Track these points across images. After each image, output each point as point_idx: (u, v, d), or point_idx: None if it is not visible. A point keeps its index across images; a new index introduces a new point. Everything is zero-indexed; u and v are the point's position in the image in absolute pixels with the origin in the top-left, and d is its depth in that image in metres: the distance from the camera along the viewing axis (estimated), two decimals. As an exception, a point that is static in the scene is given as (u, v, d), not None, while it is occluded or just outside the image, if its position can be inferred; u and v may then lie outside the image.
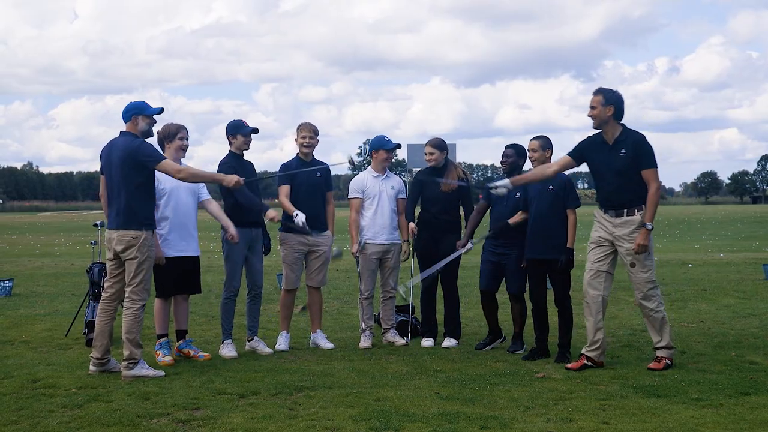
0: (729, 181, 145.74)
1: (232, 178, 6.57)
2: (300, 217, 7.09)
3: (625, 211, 6.33)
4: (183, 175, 6.34)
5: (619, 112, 6.36)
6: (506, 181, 6.62)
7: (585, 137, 6.61)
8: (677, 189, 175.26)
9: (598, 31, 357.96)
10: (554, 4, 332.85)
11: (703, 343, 7.33)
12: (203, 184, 6.97)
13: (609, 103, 6.32)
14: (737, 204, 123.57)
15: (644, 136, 6.40)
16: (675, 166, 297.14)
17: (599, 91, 6.39)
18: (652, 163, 6.33)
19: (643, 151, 6.32)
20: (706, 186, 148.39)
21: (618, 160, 6.33)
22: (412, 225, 7.62)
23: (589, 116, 6.40)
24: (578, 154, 6.57)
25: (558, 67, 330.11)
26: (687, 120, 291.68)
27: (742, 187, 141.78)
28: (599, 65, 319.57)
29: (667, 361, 6.35)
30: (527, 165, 7.32)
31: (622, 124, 6.41)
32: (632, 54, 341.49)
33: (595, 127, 6.44)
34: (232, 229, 6.91)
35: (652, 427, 4.75)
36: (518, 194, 7.02)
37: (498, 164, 7.40)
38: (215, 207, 7.06)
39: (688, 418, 4.90)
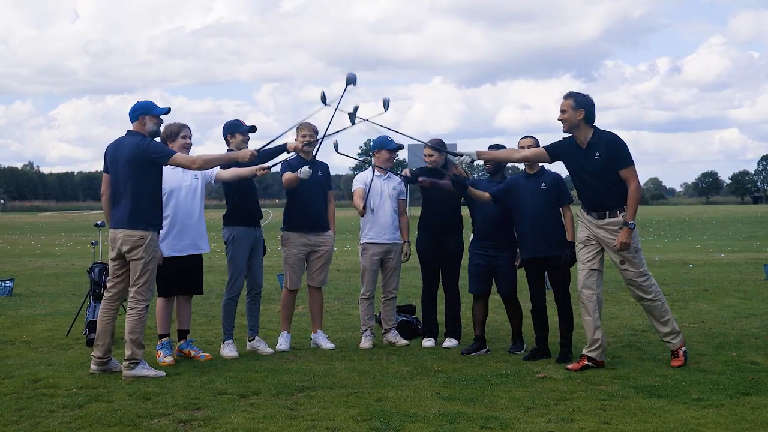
0: (730, 181, 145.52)
1: (246, 153, 6.68)
2: (305, 168, 7.07)
3: (607, 213, 6.35)
4: (199, 163, 6.37)
5: (589, 116, 6.36)
6: (472, 151, 6.76)
7: (561, 138, 6.61)
8: (678, 189, 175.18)
9: (599, 31, 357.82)
10: (555, 4, 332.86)
11: (704, 344, 7.32)
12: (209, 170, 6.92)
13: (579, 107, 6.33)
14: (738, 204, 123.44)
15: (616, 136, 6.39)
16: (675, 166, 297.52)
17: (569, 95, 6.39)
18: (628, 161, 6.33)
19: (618, 150, 6.32)
20: (707, 186, 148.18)
21: (593, 163, 6.33)
22: (406, 170, 7.66)
23: (559, 120, 6.42)
24: (553, 152, 6.60)
25: (559, 67, 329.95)
26: (688, 120, 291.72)
27: (743, 187, 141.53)
28: (600, 65, 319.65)
29: (683, 348, 6.38)
30: (518, 166, 7.38)
31: (594, 126, 6.41)
32: (633, 54, 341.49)
33: (565, 131, 6.46)
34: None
35: (653, 427, 4.74)
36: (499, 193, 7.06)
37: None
38: (230, 171, 6.93)
39: (689, 419, 4.90)
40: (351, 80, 6.97)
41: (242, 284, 7.26)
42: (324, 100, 7.04)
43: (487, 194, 7.04)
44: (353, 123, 7.06)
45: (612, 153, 6.28)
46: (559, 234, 6.76)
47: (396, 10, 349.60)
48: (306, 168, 7.05)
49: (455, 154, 6.84)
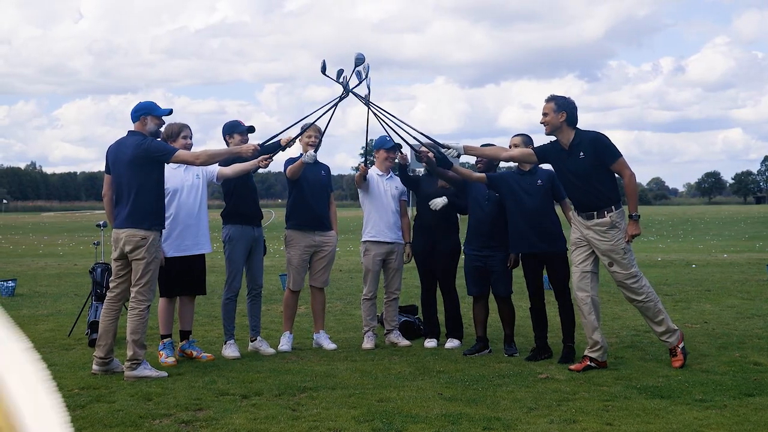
0: (732, 181, 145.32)
1: (248, 147, 6.71)
2: (309, 152, 7.12)
3: (595, 213, 6.36)
4: (203, 159, 6.36)
5: (571, 118, 6.38)
6: (460, 146, 6.82)
7: (548, 142, 6.64)
8: (681, 189, 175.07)
9: (602, 31, 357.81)
10: (559, 4, 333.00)
11: (707, 344, 7.31)
12: (210, 168, 6.93)
13: (561, 110, 6.36)
14: (741, 204, 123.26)
15: (599, 133, 6.41)
16: (678, 166, 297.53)
17: (551, 98, 6.43)
18: (615, 154, 6.34)
19: (603, 147, 6.34)
20: (710, 186, 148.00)
21: (577, 163, 6.34)
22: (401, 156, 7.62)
23: (541, 123, 6.45)
24: (541, 154, 6.64)
25: (562, 67, 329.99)
26: (691, 120, 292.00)
27: (746, 187, 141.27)
28: (604, 65, 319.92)
29: (680, 345, 6.38)
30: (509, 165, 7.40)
31: (576, 128, 6.43)
32: (637, 54, 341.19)
33: (547, 134, 6.49)
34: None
35: (656, 428, 4.73)
36: (495, 195, 7.04)
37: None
38: (232, 167, 6.92)
39: (691, 420, 4.88)
40: (360, 61, 7.11)
41: (240, 284, 7.25)
42: (324, 69, 7.13)
43: (482, 174, 7.05)
44: (339, 81, 7.18)
45: (597, 151, 6.30)
46: (556, 230, 6.82)
47: (399, 10, 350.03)
48: (310, 152, 7.10)
49: (443, 146, 6.89)
